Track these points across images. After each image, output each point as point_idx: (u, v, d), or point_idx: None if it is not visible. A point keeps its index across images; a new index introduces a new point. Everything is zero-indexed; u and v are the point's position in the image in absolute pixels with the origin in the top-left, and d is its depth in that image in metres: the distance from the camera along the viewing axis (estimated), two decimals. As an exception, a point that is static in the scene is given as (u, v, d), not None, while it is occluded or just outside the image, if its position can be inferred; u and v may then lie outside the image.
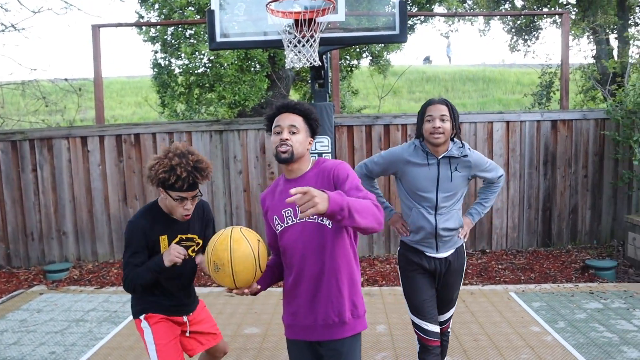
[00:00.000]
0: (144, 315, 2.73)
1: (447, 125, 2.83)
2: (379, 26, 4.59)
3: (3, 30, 8.24)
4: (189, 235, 2.75)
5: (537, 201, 6.88)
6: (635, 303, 5.03)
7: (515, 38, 13.63)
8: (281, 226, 2.29)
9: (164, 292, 2.75)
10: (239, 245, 2.09)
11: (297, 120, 2.28)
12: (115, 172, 6.87)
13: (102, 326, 4.79)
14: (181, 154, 2.54)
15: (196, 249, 2.80)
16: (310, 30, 4.04)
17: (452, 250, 3.04)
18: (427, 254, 3.00)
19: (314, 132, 2.35)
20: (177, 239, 2.69)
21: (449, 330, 3.31)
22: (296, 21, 4.08)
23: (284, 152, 2.23)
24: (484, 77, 22.47)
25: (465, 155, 2.94)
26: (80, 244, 6.94)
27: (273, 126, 2.31)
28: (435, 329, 2.97)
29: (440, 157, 2.91)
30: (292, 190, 1.80)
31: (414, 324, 3.02)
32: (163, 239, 2.66)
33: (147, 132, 6.82)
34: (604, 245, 6.89)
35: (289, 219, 2.26)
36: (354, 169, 2.48)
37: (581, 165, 6.85)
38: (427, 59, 27.55)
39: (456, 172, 2.92)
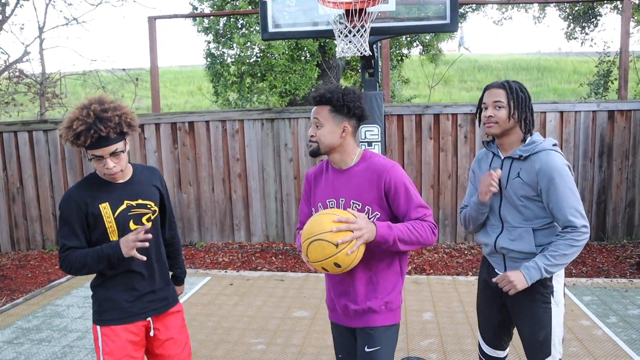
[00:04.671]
0: (100, 325, 2.31)
1: (502, 113, 2.32)
2: (430, 15, 4.58)
3: (66, 24, 8.64)
4: (140, 201, 2.34)
5: (591, 194, 6.70)
6: (693, 300, 4.86)
7: (572, 25, 13.16)
8: None
9: (124, 279, 2.32)
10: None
11: (322, 112, 2.20)
12: (170, 159, 7.14)
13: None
14: (83, 106, 2.17)
15: (152, 217, 2.38)
16: (361, 20, 4.08)
17: None
18: (496, 270, 2.51)
19: (353, 115, 2.21)
20: (123, 205, 2.28)
21: None
22: (347, 11, 4.13)
23: (309, 147, 2.24)
24: (538, 66, 21.83)
25: (525, 158, 2.32)
26: (137, 227, 7.25)
27: None
28: (495, 353, 2.65)
29: (504, 158, 2.41)
30: (340, 218, 1.99)
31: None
32: (104, 207, 2.25)
33: (201, 120, 7.04)
34: (662, 241, 6.65)
35: None
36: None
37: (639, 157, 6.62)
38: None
39: (517, 179, 2.33)
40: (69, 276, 6.02)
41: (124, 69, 9.23)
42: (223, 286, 5.59)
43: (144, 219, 2.33)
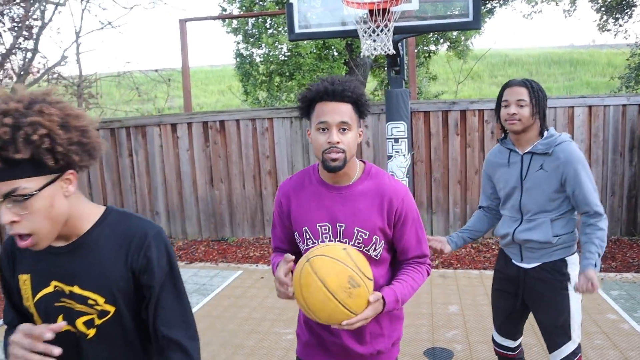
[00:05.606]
0: None
1: (525, 111, 2.40)
2: (453, 13, 4.64)
3: (102, 28, 8.97)
4: (77, 290, 1.29)
5: (621, 188, 6.64)
6: None
7: (605, 17, 12.90)
8: (313, 242, 1.82)
9: None
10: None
11: (348, 112, 1.71)
12: (202, 157, 7.37)
13: (192, 297, 5.24)
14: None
15: (98, 322, 1.31)
16: (385, 20, 4.18)
17: (540, 263, 2.50)
18: (513, 260, 2.61)
19: (361, 117, 1.80)
20: (49, 288, 1.30)
21: None
22: (370, 11, 4.24)
23: (334, 160, 1.69)
24: (571, 60, 21.47)
25: (548, 153, 2.41)
26: (172, 223, 7.52)
27: (316, 119, 1.72)
28: (505, 342, 2.76)
29: (523, 153, 2.49)
30: (344, 325, 1.57)
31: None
32: (24, 281, 1.33)
33: (231, 119, 7.24)
34: (695, 235, 6.55)
35: (325, 237, 1.80)
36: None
37: (672, 150, 6.53)
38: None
39: (541, 171, 2.42)
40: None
41: (156, 70, 9.53)
42: (254, 279, 5.77)
43: (79, 322, 1.30)
